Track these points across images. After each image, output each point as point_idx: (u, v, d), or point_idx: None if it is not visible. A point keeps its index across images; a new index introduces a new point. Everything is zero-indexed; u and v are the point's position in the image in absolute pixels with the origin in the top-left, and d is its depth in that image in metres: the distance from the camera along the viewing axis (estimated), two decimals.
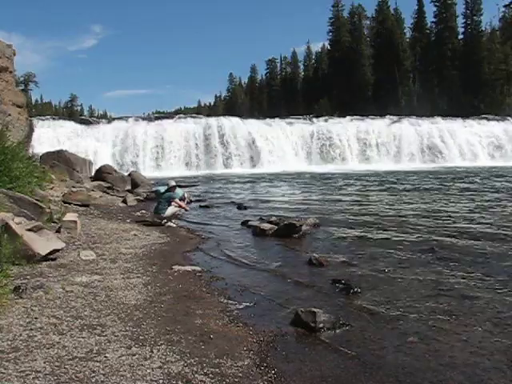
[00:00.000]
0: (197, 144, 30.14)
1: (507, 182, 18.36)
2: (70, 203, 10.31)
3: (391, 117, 36.24)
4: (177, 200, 9.17)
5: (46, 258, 5.29)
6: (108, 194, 14.29)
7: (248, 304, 4.37)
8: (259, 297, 4.61)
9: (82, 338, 3.30)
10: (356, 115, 36.92)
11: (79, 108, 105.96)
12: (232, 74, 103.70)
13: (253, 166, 29.97)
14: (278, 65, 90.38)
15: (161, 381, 2.74)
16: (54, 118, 32.64)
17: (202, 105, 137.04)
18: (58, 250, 5.54)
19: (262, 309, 4.27)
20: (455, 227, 8.29)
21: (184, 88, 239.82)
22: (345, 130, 33.49)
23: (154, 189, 12.71)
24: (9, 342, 3.14)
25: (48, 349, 3.08)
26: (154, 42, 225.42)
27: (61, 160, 16.98)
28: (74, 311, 3.84)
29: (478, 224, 8.55)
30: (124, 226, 8.55)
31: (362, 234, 7.93)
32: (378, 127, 34.09)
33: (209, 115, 44.67)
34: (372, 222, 9.01)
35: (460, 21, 62.26)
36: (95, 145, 27.88)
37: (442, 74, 59.84)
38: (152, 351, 3.13)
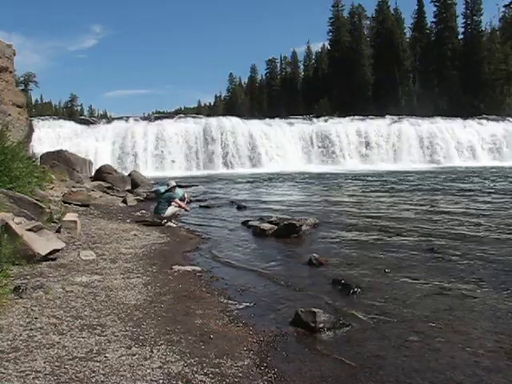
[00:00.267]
0: (197, 144, 30.14)
1: (507, 182, 18.36)
2: (70, 203, 10.30)
3: (391, 117, 36.22)
4: (177, 200, 9.17)
5: (45, 258, 5.28)
6: (108, 193, 14.28)
7: (248, 304, 4.37)
8: (259, 297, 4.61)
9: (82, 337, 3.30)
10: (356, 115, 36.91)
11: (79, 108, 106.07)
12: (232, 74, 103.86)
13: (253, 166, 29.95)
14: (278, 65, 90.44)
15: (161, 381, 2.74)
16: (54, 118, 32.66)
17: (202, 105, 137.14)
18: (57, 250, 5.54)
19: (261, 309, 4.27)
20: (455, 227, 8.29)
21: (184, 88, 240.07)
22: (345, 130, 33.45)
23: (153, 189, 12.72)
24: (9, 342, 3.14)
25: (48, 349, 3.08)
26: (154, 42, 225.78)
27: (61, 160, 16.98)
28: (74, 311, 3.84)
29: (477, 224, 8.55)
30: (124, 226, 8.55)
31: (362, 234, 7.93)
32: (378, 127, 34.07)
33: (209, 115, 44.64)
34: (372, 222, 9.00)
35: (460, 21, 62.36)
36: (95, 145, 27.86)
37: (442, 73, 59.81)
38: (152, 351, 3.13)
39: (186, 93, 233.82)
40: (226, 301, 4.43)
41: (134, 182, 16.59)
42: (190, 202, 10.65)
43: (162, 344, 3.26)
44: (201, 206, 11.98)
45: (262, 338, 3.52)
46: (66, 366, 2.84)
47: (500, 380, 2.95)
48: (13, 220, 5.51)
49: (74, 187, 13.22)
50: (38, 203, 7.42)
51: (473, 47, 59.26)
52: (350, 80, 63.80)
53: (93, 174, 18.55)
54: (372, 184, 18.82)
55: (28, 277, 4.70)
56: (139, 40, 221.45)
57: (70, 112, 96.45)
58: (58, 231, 6.81)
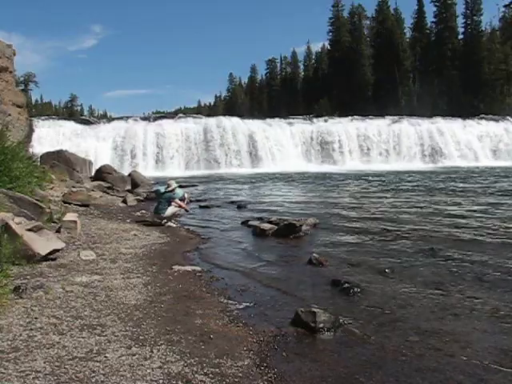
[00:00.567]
0: (197, 144, 30.14)
1: (507, 183, 18.35)
2: (70, 203, 10.31)
3: (391, 117, 36.25)
4: (177, 200, 9.17)
5: (46, 258, 5.28)
6: (108, 194, 14.29)
7: (248, 304, 4.36)
8: (259, 297, 4.61)
9: (82, 338, 3.30)
10: (356, 115, 36.91)
11: (79, 108, 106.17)
12: (232, 74, 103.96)
13: (253, 166, 29.95)
14: (278, 65, 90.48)
15: (161, 381, 2.74)
16: (54, 118, 32.66)
17: (202, 105, 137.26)
18: (57, 250, 5.54)
19: (261, 309, 4.27)
20: (455, 227, 8.29)
21: (184, 88, 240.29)
22: (345, 130, 33.48)
23: (154, 189, 12.72)
24: (9, 342, 3.14)
25: (48, 349, 3.08)
26: (154, 42, 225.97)
27: (61, 160, 16.99)
28: (74, 311, 3.84)
29: (477, 224, 8.55)
30: (124, 226, 8.55)
31: (362, 234, 7.92)
32: (378, 127, 34.10)
33: (209, 115, 44.61)
34: (372, 223, 9.01)
35: (460, 21, 62.41)
36: (95, 145, 27.87)
37: (442, 73, 59.81)
38: (152, 351, 3.13)
39: (186, 93, 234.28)
40: (225, 301, 4.42)
41: (134, 181, 16.59)
42: (189, 201, 10.65)
43: (161, 344, 3.26)
44: (201, 206, 11.98)
45: (261, 338, 3.52)
46: (66, 366, 2.84)
47: (500, 380, 2.94)
48: (13, 220, 5.51)
49: (74, 187, 13.22)
50: (38, 203, 7.42)
51: (473, 47, 59.28)
52: (350, 80, 63.81)
53: (93, 174, 18.57)
54: (372, 184, 18.82)
55: (28, 277, 4.70)
56: (139, 40, 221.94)
57: (70, 112, 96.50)
58: (58, 231, 6.81)
